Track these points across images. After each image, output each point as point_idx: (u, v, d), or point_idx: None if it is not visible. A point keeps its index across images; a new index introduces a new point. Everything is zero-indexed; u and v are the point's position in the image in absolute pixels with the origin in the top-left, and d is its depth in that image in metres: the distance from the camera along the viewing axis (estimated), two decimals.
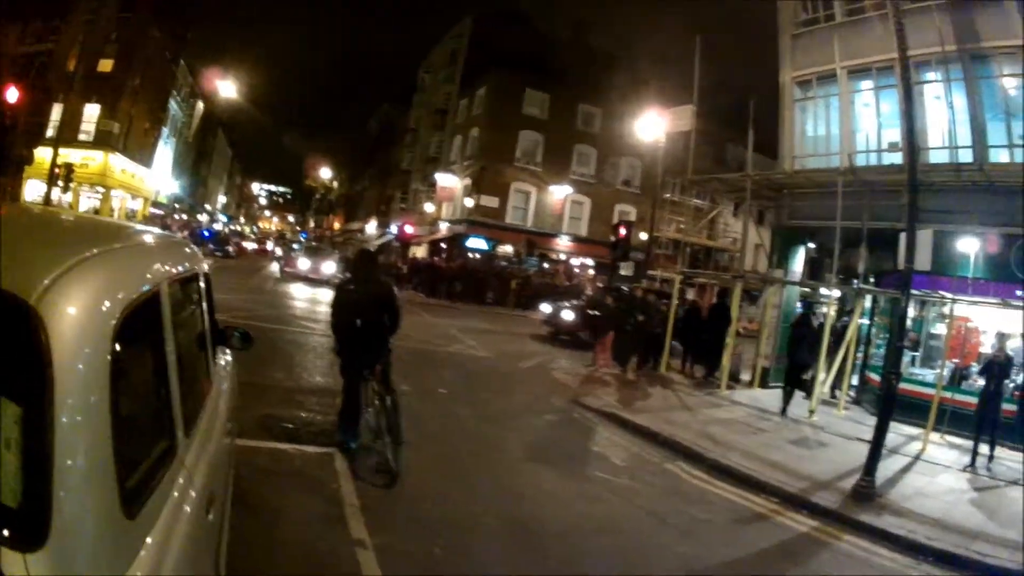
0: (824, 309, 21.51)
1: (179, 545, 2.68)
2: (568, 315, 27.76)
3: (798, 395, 17.59)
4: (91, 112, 43.24)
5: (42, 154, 35.37)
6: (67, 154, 36.56)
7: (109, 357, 2.19)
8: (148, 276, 2.90)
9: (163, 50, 50.38)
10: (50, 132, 38.56)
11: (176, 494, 2.88)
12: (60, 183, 33.85)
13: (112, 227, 4.01)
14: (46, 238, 2.59)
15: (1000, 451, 13.96)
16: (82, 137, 42.50)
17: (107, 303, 2.29)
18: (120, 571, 2.19)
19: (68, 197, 36.75)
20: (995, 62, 17.00)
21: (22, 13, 40.26)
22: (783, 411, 17.17)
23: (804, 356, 17.87)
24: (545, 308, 30.93)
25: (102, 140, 43.18)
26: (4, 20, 37.73)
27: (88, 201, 43.41)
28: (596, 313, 24.64)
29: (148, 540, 2.45)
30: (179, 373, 3.14)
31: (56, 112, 40.13)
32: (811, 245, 22.02)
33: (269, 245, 79.09)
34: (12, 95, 29.73)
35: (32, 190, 37.26)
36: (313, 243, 70.06)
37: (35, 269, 2.10)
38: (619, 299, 23.09)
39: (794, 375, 17.78)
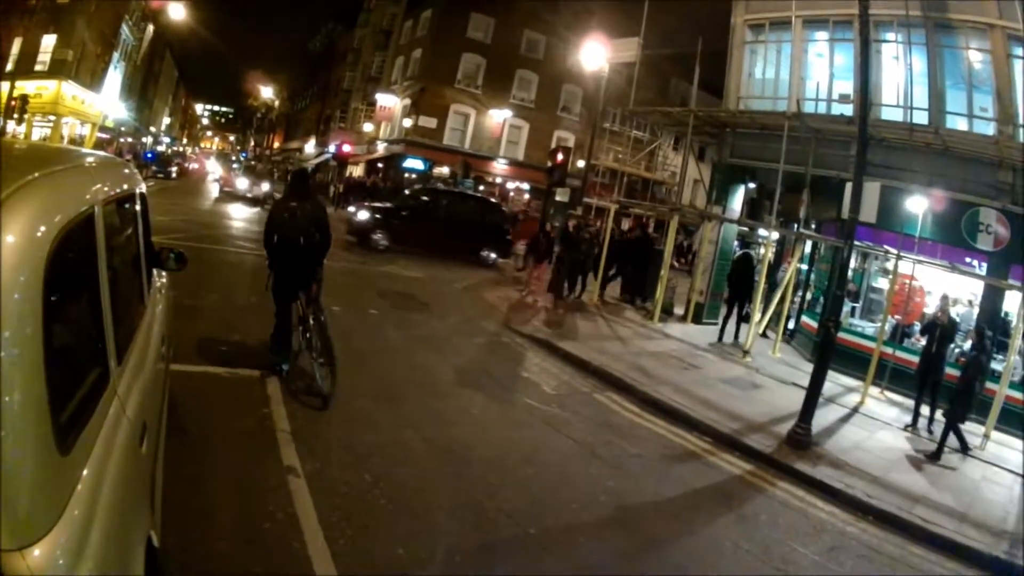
0: (761, 250, 21.79)
1: (113, 479, 2.62)
2: (362, 215, 25.80)
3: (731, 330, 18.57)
4: (47, 42, 41.86)
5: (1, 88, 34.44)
6: (23, 86, 35.78)
7: (43, 285, 2.15)
8: (82, 198, 2.83)
9: None
10: (9, 66, 37.41)
11: (109, 425, 2.82)
12: (15, 115, 33.14)
13: (52, 151, 4.10)
14: None
15: (941, 415, 13.94)
16: (37, 67, 41.28)
17: (42, 228, 2.25)
18: (58, 511, 2.13)
19: (22, 128, 35.80)
20: (961, 34, 16.72)
21: None
22: (720, 339, 18.41)
23: (744, 291, 18.83)
24: (351, 210, 28.62)
25: (56, 69, 41.83)
26: None
27: (40, 130, 42.25)
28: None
29: (84, 474, 2.40)
30: (112, 298, 3.09)
31: (16, 47, 39.09)
32: (752, 185, 22.07)
33: (208, 164, 77.81)
34: None
35: None
36: (252, 162, 69.19)
37: None
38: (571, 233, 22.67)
39: (735, 307, 18.92)
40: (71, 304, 2.74)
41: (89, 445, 2.53)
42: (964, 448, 12.24)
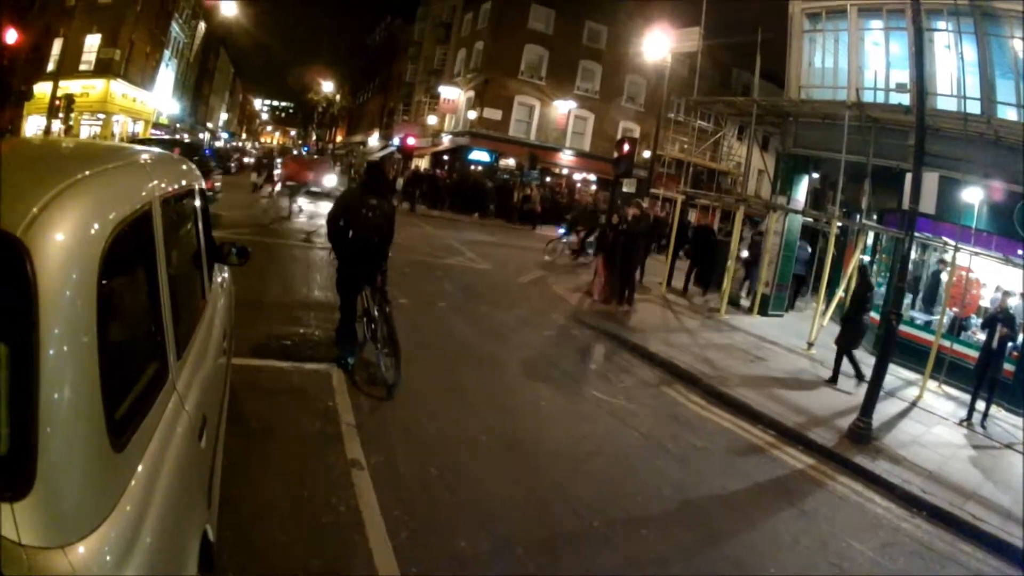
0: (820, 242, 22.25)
1: (169, 474, 2.65)
2: None
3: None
4: (91, 42, 42.28)
5: (43, 88, 34.79)
6: (67, 85, 36.00)
7: (96, 282, 2.15)
8: (138, 195, 2.83)
9: None
10: (51, 66, 37.79)
11: (167, 420, 2.85)
12: (61, 115, 33.18)
13: (105, 149, 3.94)
14: (38, 167, 2.54)
15: (996, 411, 13.83)
16: (83, 67, 41.64)
17: (95, 226, 2.25)
18: (109, 507, 2.16)
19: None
20: (1007, 23, 16.47)
21: None
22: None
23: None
24: None
25: (103, 68, 42.31)
26: None
27: (89, 129, 42.55)
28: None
29: (139, 469, 2.43)
30: (171, 293, 3.10)
31: (57, 47, 39.24)
32: (815, 175, 22.04)
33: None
34: (11, 36, 29.19)
35: (33, 125, 36.73)
36: (315, 156, 69.74)
37: (24, 200, 2.07)
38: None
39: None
40: (129, 301, 2.78)
41: (146, 440, 2.55)
42: (859, 376, 13.61)
